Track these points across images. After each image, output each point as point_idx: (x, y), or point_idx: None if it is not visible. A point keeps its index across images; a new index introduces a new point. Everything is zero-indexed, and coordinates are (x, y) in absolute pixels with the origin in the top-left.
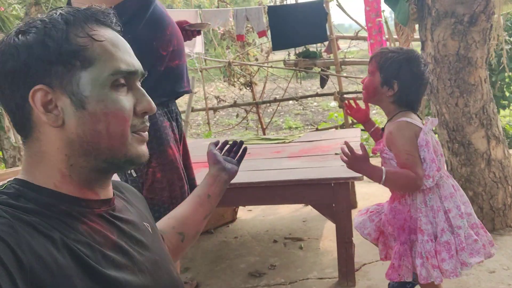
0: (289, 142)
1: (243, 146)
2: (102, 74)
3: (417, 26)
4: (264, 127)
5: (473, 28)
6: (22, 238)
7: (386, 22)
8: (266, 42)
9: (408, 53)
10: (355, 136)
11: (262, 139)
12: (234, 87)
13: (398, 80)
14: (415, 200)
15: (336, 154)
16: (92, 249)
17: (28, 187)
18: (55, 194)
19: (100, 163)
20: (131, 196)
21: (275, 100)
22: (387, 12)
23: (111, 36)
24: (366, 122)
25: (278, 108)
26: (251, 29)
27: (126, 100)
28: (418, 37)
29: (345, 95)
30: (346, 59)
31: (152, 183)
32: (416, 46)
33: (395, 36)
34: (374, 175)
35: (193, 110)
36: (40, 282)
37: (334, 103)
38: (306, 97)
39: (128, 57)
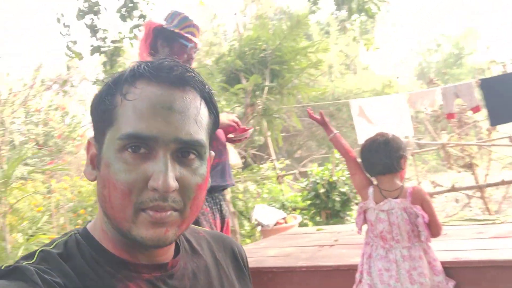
0: (501, 223)
1: None
2: (114, 136)
3: None
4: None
5: None
6: None
7: None
8: (483, 119)
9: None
10: None
11: (467, 219)
12: (451, 170)
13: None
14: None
15: None
16: None
17: (86, 237)
18: (103, 253)
19: (116, 231)
20: (224, 254)
21: (503, 183)
22: None
23: (151, 95)
24: None
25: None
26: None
27: (131, 170)
28: None
29: None
30: None
31: None
32: None
33: None
34: (327, 132)
35: None
36: None
37: None
38: None
39: (154, 121)
